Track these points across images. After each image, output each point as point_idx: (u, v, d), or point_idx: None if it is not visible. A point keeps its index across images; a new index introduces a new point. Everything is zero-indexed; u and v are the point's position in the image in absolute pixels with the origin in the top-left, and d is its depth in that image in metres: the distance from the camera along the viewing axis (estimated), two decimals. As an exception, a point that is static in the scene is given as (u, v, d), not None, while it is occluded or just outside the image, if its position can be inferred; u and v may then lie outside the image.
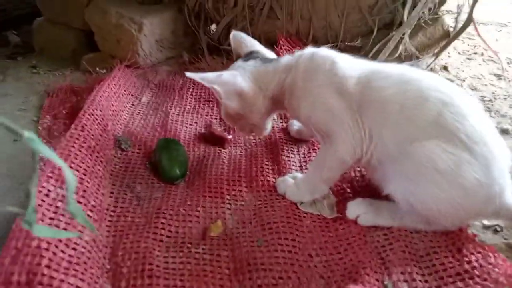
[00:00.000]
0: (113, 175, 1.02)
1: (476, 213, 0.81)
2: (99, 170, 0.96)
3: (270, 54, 1.05)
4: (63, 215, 0.78)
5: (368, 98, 0.85)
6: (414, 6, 1.35)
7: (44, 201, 0.79)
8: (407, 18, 1.32)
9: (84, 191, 0.86)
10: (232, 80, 0.92)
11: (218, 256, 0.83)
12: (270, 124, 1.07)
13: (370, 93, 0.84)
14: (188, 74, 0.89)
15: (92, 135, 1.01)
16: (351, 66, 0.89)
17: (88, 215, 0.83)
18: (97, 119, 1.07)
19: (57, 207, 0.78)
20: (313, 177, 0.94)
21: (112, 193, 0.97)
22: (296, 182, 0.95)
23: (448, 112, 0.78)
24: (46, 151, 0.36)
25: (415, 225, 0.86)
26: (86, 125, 1.02)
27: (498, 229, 0.87)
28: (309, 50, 0.95)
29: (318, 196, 0.94)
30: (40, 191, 0.80)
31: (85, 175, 0.90)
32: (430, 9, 1.38)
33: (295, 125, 1.16)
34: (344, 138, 0.85)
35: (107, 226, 0.88)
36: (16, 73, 1.60)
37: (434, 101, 0.79)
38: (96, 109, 1.10)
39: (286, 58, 0.97)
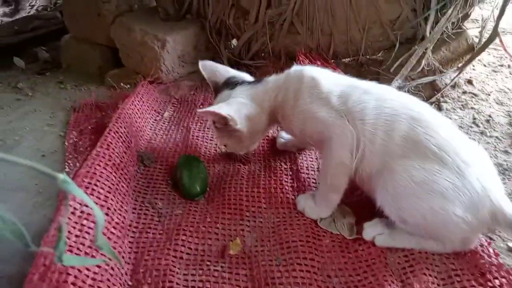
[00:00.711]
0: (135, 191, 1.05)
1: (469, 221, 0.79)
2: (122, 187, 0.98)
3: (246, 76, 1.11)
4: (88, 233, 0.81)
5: (350, 110, 0.89)
6: (437, 21, 1.34)
7: (70, 219, 0.82)
8: (430, 33, 1.31)
9: (108, 208, 0.89)
10: (240, 105, 0.99)
11: (237, 275, 0.84)
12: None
13: (352, 105, 0.89)
14: (199, 111, 0.98)
15: (117, 152, 1.05)
16: (333, 82, 0.95)
17: (112, 232, 0.86)
18: (121, 137, 1.11)
19: (81, 227, 0.81)
20: (323, 189, 0.96)
21: (134, 209, 0.99)
22: (314, 199, 0.97)
23: (418, 127, 0.84)
24: (78, 192, 0.38)
25: (431, 246, 0.85)
26: (111, 143, 1.05)
27: (524, 251, 0.84)
28: (295, 69, 1.02)
29: (334, 209, 0.95)
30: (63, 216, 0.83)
31: (109, 193, 0.92)
32: (453, 23, 1.36)
33: (282, 138, 1.20)
34: (339, 141, 0.89)
35: (129, 242, 0.91)
36: (45, 88, 1.66)
37: (405, 117, 0.85)
38: (121, 127, 1.13)
39: (273, 78, 1.04)
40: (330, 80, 0.96)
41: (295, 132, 1.03)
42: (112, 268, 0.79)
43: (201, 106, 1.45)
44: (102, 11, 1.67)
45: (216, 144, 1.25)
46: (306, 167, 1.13)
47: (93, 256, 0.75)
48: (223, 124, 1.00)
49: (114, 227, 0.87)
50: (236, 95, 1.01)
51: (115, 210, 0.90)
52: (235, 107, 0.98)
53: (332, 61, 1.49)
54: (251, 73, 1.60)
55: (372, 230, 0.89)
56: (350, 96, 0.91)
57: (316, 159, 1.17)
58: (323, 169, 0.98)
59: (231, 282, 0.82)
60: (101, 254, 0.78)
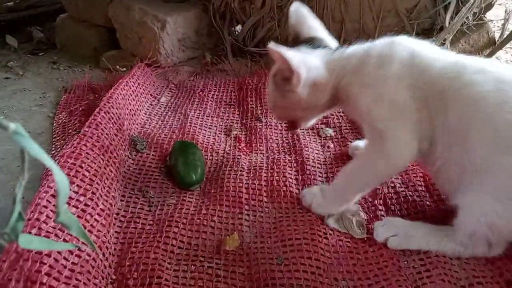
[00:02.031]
0: (125, 177, 0.96)
1: None
2: (111, 171, 0.90)
3: (333, 42, 0.91)
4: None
5: (453, 94, 0.73)
6: (457, 10, 1.25)
7: (46, 207, 0.73)
8: (449, 23, 1.22)
9: (93, 193, 0.80)
10: (316, 65, 0.81)
11: (233, 273, 0.75)
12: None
13: (458, 87, 0.72)
14: (271, 45, 0.73)
15: (107, 134, 0.96)
16: (434, 56, 0.77)
17: (96, 219, 0.77)
18: (112, 118, 1.02)
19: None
20: (345, 184, 0.84)
21: (123, 196, 0.91)
22: (323, 193, 0.87)
23: None
24: (34, 147, 0.30)
25: (450, 249, 0.76)
26: (101, 123, 0.97)
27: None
28: (386, 38, 0.82)
29: (345, 207, 0.85)
30: (47, 191, 0.75)
31: (95, 176, 0.84)
32: (474, 14, 1.27)
33: (358, 148, 1.03)
34: (402, 139, 0.75)
35: (115, 232, 0.82)
36: (37, 68, 1.58)
37: None
38: (113, 107, 1.05)
39: (355, 47, 0.84)
40: (431, 54, 0.77)
41: (358, 112, 0.83)
42: (94, 259, 0.70)
43: (200, 93, 1.36)
44: (101, -11, 1.59)
45: (215, 133, 1.16)
46: (312, 160, 1.04)
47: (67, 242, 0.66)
48: (284, 78, 0.82)
49: (98, 214, 0.78)
50: (314, 56, 0.83)
51: (100, 195, 0.82)
52: (309, 65, 0.79)
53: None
54: (255, 62, 1.55)
55: (384, 231, 0.80)
56: (458, 76, 0.73)
57: (323, 152, 1.08)
58: (365, 163, 0.81)
59: (226, 280, 0.73)
60: (82, 243, 0.70)
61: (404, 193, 0.91)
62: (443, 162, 0.76)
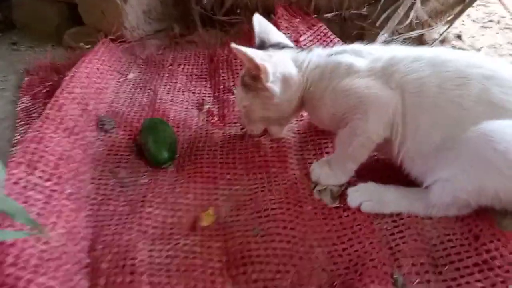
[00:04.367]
0: (95, 159, 0.93)
1: None
2: (78, 154, 0.87)
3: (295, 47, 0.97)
4: (34, 205, 0.70)
5: (396, 86, 0.77)
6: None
7: (13, 190, 0.70)
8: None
9: (59, 177, 0.78)
10: (284, 62, 0.86)
11: (209, 248, 0.75)
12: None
13: (399, 79, 0.77)
14: (234, 46, 0.79)
15: (71, 115, 0.92)
16: (374, 57, 0.82)
17: (64, 204, 0.75)
18: (76, 98, 0.98)
19: (26, 199, 0.70)
20: (340, 157, 0.85)
21: (93, 179, 0.88)
22: (330, 164, 0.86)
23: (494, 86, 0.71)
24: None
25: (420, 210, 0.78)
26: (64, 105, 0.93)
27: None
28: (336, 51, 0.88)
29: (350, 177, 0.85)
30: (9, 179, 0.72)
31: (61, 159, 0.81)
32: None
33: None
34: (377, 115, 0.77)
35: (87, 216, 0.80)
36: (-5, 50, 1.50)
37: (476, 78, 0.72)
38: (76, 87, 1.01)
39: (320, 51, 0.90)
40: (369, 56, 0.83)
41: (325, 120, 0.88)
42: (63, 245, 0.69)
43: (170, 67, 1.31)
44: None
45: (187, 108, 1.13)
46: (286, 129, 1.03)
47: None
48: (252, 76, 0.85)
49: (66, 198, 0.76)
50: (281, 53, 0.88)
51: (68, 179, 0.79)
52: (274, 59, 0.84)
53: (315, 16, 1.37)
54: (225, 32, 1.50)
55: (358, 196, 0.81)
56: (397, 70, 0.78)
57: (297, 121, 1.07)
58: (347, 138, 0.82)
59: (202, 256, 0.73)
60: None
61: (376, 156, 0.92)
62: (407, 150, 0.78)
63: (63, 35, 1.52)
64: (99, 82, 1.14)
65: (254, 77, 0.85)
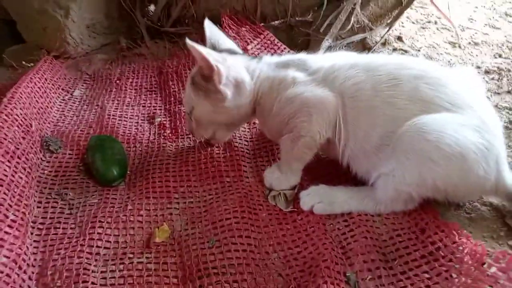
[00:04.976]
0: (40, 182, 0.90)
1: (475, 181, 0.74)
2: (20, 178, 0.83)
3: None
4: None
5: (338, 91, 0.80)
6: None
7: None
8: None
9: (0, 204, 0.74)
10: (238, 67, 0.86)
11: (165, 264, 0.74)
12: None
13: (339, 85, 0.80)
14: (189, 42, 0.77)
15: (11, 138, 0.88)
16: (318, 66, 0.85)
17: (6, 232, 0.71)
18: (17, 120, 0.94)
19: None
20: (287, 158, 0.86)
21: (40, 203, 0.85)
22: (279, 168, 0.88)
23: (423, 84, 0.75)
24: None
25: (370, 208, 0.81)
26: (3, 128, 0.89)
27: (461, 203, 0.83)
28: (284, 59, 0.91)
29: (300, 177, 0.87)
30: None
31: (1, 185, 0.77)
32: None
33: None
34: (319, 117, 0.80)
35: (34, 241, 0.77)
36: None
37: (406, 78, 0.77)
38: (15, 108, 0.96)
39: (270, 59, 0.92)
40: (312, 65, 0.86)
41: (274, 129, 0.89)
42: (8, 275, 0.65)
43: (117, 81, 1.29)
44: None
45: (137, 123, 1.11)
46: (239, 137, 1.04)
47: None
48: (204, 76, 0.84)
49: (9, 226, 0.72)
50: (234, 58, 0.87)
51: (10, 205, 0.75)
52: (229, 63, 0.83)
53: (261, 24, 1.39)
54: (174, 43, 1.49)
55: (310, 199, 0.83)
56: (335, 76, 0.81)
57: (249, 129, 1.08)
58: (291, 141, 0.83)
59: (157, 273, 0.72)
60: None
61: (327, 158, 0.94)
62: (351, 150, 0.81)
63: (1, 54, 1.44)
64: (42, 101, 1.10)
65: (206, 77, 0.83)
